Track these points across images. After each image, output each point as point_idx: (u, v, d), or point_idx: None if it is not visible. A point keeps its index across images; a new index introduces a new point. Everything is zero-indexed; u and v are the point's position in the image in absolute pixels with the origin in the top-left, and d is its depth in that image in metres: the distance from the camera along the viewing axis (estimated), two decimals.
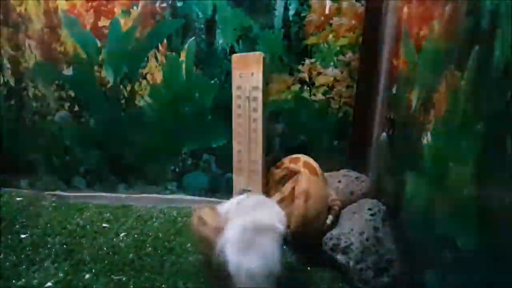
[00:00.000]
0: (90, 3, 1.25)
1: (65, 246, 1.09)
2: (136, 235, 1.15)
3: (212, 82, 1.29)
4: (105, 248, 1.08)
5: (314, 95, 1.28)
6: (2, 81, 1.35)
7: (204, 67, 1.28)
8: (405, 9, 1.01)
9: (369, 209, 1.00)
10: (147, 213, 1.30)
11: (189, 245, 1.10)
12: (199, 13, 1.24)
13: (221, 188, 1.38)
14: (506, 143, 0.52)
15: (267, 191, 1.17)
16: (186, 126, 1.34)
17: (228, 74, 1.23)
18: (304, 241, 1.01)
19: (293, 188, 1.09)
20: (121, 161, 1.39)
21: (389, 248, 0.91)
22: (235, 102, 1.16)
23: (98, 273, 0.96)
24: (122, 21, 1.26)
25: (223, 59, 1.27)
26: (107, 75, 1.32)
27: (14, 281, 0.92)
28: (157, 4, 1.24)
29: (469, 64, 0.63)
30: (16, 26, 1.29)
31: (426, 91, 0.83)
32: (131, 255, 1.05)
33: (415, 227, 0.85)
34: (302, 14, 1.21)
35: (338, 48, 1.23)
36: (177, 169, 1.39)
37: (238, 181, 1.18)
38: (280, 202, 1.05)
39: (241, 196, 0.93)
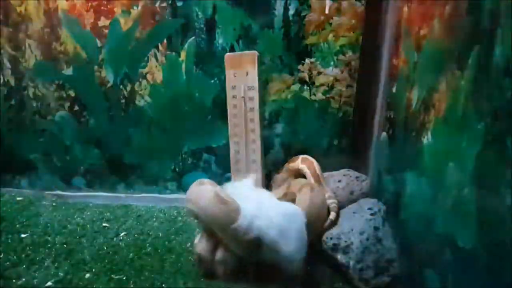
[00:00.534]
0: (90, 3, 1.25)
1: (65, 245, 1.09)
2: (136, 235, 1.15)
3: (212, 82, 1.29)
4: (105, 248, 1.08)
5: (314, 94, 1.28)
6: (2, 80, 1.35)
7: (204, 67, 1.28)
8: (405, 9, 1.00)
9: (369, 208, 1.00)
10: (147, 213, 1.30)
11: (189, 244, 1.10)
12: (199, 13, 1.24)
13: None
14: (506, 143, 0.52)
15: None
16: (186, 126, 1.34)
17: None
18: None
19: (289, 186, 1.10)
20: (121, 161, 1.39)
21: (389, 248, 0.91)
22: (230, 102, 1.15)
23: (98, 272, 0.96)
24: (122, 21, 1.26)
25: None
26: (107, 75, 1.32)
27: (14, 280, 0.92)
28: (157, 4, 1.24)
29: (469, 63, 0.63)
30: (16, 26, 1.29)
31: (426, 90, 0.82)
32: (131, 254, 1.05)
33: (415, 226, 0.85)
34: (302, 14, 1.21)
35: (338, 48, 1.23)
36: (177, 169, 1.39)
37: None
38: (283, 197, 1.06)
39: (236, 183, 0.99)
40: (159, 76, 1.30)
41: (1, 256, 1.02)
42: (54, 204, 1.35)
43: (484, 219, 0.57)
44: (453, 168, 0.67)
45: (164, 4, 1.24)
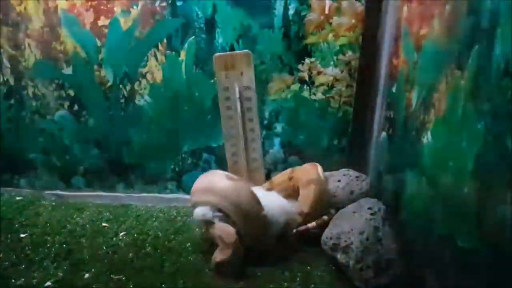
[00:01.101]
0: (89, 3, 1.25)
1: (64, 245, 1.08)
2: (135, 235, 1.15)
3: (212, 81, 1.28)
4: (104, 248, 1.08)
5: (314, 94, 1.28)
6: (1, 80, 1.35)
7: (204, 67, 1.28)
8: (405, 8, 1.00)
9: (369, 208, 1.00)
10: (147, 213, 1.30)
11: (188, 244, 1.10)
12: (199, 13, 1.24)
13: None
14: (506, 143, 0.52)
15: None
16: (186, 125, 1.34)
17: None
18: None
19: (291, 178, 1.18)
20: (120, 161, 1.39)
21: (389, 248, 0.91)
22: (223, 104, 1.13)
23: (97, 272, 0.96)
24: (122, 20, 1.26)
25: None
26: (107, 74, 1.31)
27: (13, 280, 0.92)
28: (157, 4, 1.24)
29: (469, 63, 0.63)
30: (16, 25, 1.29)
31: (426, 90, 0.82)
32: (130, 254, 1.04)
33: (415, 226, 0.85)
34: (302, 14, 1.21)
35: (338, 47, 1.23)
36: (176, 169, 1.39)
37: None
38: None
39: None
40: (158, 76, 1.30)
41: (0, 255, 1.02)
42: (53, 203, 1.35)
43: (484, 219, 0.57)
44: (453, 168, 0.67)
45: (164, 4, 1.24)
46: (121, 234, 1.16)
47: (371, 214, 0.98)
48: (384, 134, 1.12)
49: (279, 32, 1.23)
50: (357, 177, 1.18)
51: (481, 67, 0.60)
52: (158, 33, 1.27)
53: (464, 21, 0.67)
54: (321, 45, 1.23)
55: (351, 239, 0.93)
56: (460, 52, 0.67)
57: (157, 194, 1.41)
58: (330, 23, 1.21)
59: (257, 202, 0.99)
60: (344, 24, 1.21)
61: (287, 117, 1.31)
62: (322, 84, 1.27)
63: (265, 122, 1.32)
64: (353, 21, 1.20)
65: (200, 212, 0.98)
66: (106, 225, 1.21)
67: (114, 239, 1.13)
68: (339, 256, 0.93)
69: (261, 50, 1.25)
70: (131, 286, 0.91)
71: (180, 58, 1.28)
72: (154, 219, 1.26)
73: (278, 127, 1.32)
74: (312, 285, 0.93)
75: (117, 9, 1.25)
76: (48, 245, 1.08)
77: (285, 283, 0.93)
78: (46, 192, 1.43)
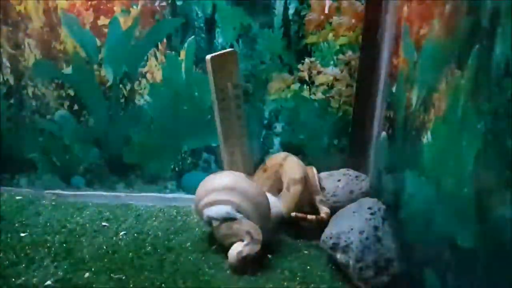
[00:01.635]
0: (89, 2, 1.25)
1: (64, 245, 1.09)
2: (135, 234, 1.15)
3: None
4: (104, 247, 1.08)
5: (314, 94, 1.28)
6: (1, 79, 1.35)
7: (204, 66, 1.28)
8: (405, 8, 1.00)
9: (369, 208, 1.00)
10: (147, 212, 1.30)
11: (188, 244, 1.10)
12: (199, 12, 1.24)
13: None
14: (506, 143, 0.52)
15: None
16: (186, 125, 1.34)
17: None
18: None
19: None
20: (120, 160, 1.39)
21: (389, 247, 0.91)
22: (218, 105, 1.13)
23: (97, 272, 0.96)
24: (121, 20, 1.26)
25: None
26: (107, 74, 1.31)
27: (13, 279, 0.92)
28: (157, 3, 1.24)
29: (469, 63, 0.63)
30: (15, 25, 1.29)
31: (426, 90, 0.82)
32: (130, 254, 1.05)
33: (415, 226, 0.85)
34: (302, 13, 1.21)
35: (338, 47, 1.23)
36: (176, 168, 1.39)
37: None
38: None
39: None
40: (158, 75, 1.30)
41: (0, 254, 1.02)
42: (53, 203, 1.35)
43: (484, 219, 0.57)
44: (453, 168, 0.67)
45: (163, 3, 1.24)
46: (121, 233, 1.16)
47: (371, 213, 0.98)
48: (384, 134, 1.12)
49: (279, 32, 1.23)
50: (357, 177, 1.18)
51: (481, 67, 0.60)
52: (158, 32, 1.27)
53: (464, 21, 0.67)
54: (321, 44, 1.23)
55: (351, 238, 0.93)
56: (460, 52, 0.67)
57: (157, 194, 1.41)
58: (330, 23, 1.21)
59: (268, 203, 1.09)
60: (344, 23, 1.21)
61: (287, 116, 1.31)
62: (322, 84, 1.27)
63: (265, 121, 1.32)
64: (353, 20, 1.20)
65: (224, 209, 1.02)
66: (106, 224, 1.21)
67: (114, 238, 1.13)
68: (339, 256, 0.93)
69: (261, 49, 1.25)
70: (131, 285, 0.92)
71: (180, 58, 1.28)
72: (154, 218, 1.26)
73: (278, 127, 1.32)
74: (312, 285, 0.93)
75: (117, 9, 1.25)
76: (48, 244, 1.08)
77: (285, 283, 0.94)
78: (46, 191, 1.43)
